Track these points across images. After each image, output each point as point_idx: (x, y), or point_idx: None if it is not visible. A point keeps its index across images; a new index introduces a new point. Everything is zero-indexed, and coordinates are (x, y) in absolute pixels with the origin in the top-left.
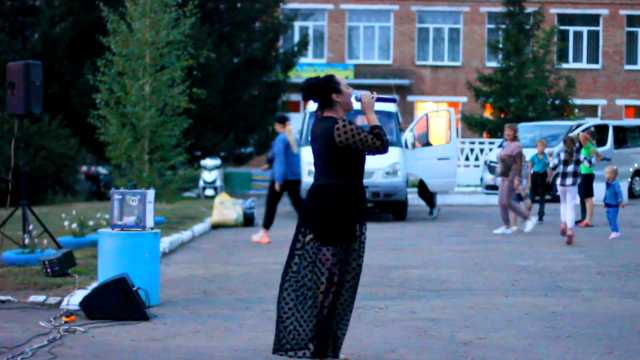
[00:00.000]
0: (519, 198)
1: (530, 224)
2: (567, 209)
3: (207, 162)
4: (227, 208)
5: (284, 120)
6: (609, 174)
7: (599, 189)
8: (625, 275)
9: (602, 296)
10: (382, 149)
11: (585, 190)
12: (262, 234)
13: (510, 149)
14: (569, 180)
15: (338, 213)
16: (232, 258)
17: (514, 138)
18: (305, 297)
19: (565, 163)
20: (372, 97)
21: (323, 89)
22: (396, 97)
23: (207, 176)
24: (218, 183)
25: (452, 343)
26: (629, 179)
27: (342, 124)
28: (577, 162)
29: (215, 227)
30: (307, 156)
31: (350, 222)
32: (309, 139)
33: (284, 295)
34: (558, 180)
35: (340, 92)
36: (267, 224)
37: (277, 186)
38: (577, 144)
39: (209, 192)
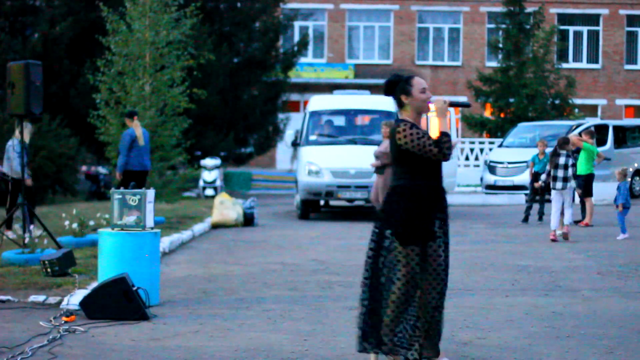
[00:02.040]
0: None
1: None
2: (565, 208)
3: (207, 162)
4: (227, 208)
5: (132, 115)
6: (620, 175)
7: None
8: (625, 275)
9: (602, 296)
10: (440, 156)
11: (585, 190)
12: None
13: (385, 146)
14: (559, 184)
15: (411, 213)
16: (232, 258)
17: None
18: (385, 296)
19: (555, 166)
20: (445, 103)
21: (396, 89)
22: (468, 102)
23: (207, 176)
24: (218, 183)
25: (452, 343)
26: (629, 179)
27: (402, 128)
28: (566, 167)
29: (215, 227)
30: (307, 156)
31: (423, 222)
32: (307, 139)
33: (365, 296)
34: (551, 184)
35: (410, 94)
36: None
37: (118, 175)
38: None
39: (209, 191)
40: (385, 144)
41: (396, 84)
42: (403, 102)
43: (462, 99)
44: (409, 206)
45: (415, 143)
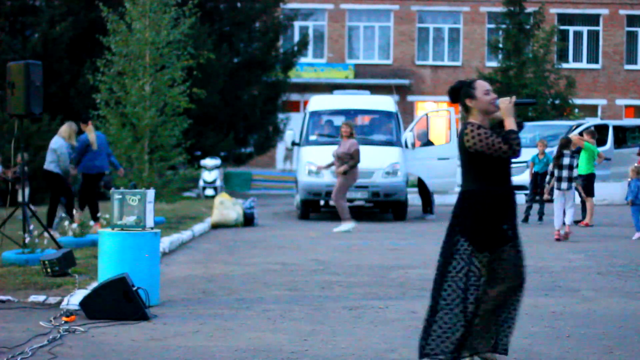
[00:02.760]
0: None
1: (345, 226)
2: (567, 208)
3: (207, 162)
4: (227, 208)
5: (86, 120)
6: (633, 173)
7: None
8: (625, 275)
9: (602, 296)
10: (510, 153)
11: (587, 190)
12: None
13: (346, 147)
14: (564, 185)
15: (484, 219)
16: (232, 258)
17: (350, 135)
18: (459, 302)
19: (560, 167)
20: (511, 101)
21: (460, 94)
22: (534, 100)
23: (207, 176)
24: (218, 183)
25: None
26: (629, 179)
27: (470, 129)
28: (571, 168)
29: (215, 227)
30: (307, 156)
31: (496, 227)
32: (307, 139)
33: (438, 301)
34: (555, 185)
35: (474, 97)
36: (94, 214)
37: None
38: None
39: (209, 192)
40: (347, 144)
41: (459, 90)
42: (468, 106)
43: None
44: (480, 212)
45: (484, 142)
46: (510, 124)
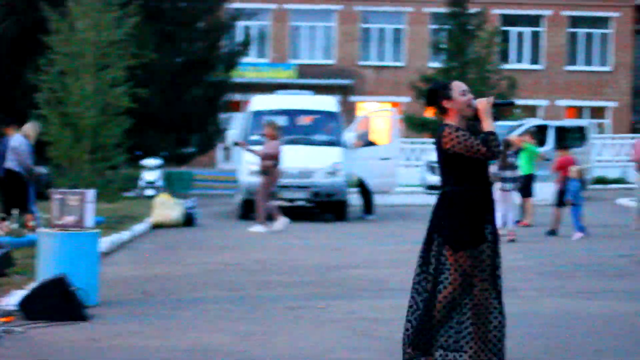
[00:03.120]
0: None
1: (259, 228)
2: (508, 210)
3: (148, 161)
4: (167, 208)
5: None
6: (574, 173)
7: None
8: (564, 275)
9: (542, 296)
10: (489, 155)
11: (525, 191)
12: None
13: (270, 147)
14: (508, 185)
15: (462, 218)
16: (172, 258)
17: (274, 136)
18: (432, 301)
19: (504, 167)
20: (489, 102)
21: (436, 97)
22: (512, 101)
23: (148, 176)
24: (159, 183)
25: (391, 342)
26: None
27: (448, 132)
28: (514, 167)
29: (156, 227)
30: (248, 156)
31: (474, 227)
32: (249, 139)
33: (416, 300)
34: (498, 185)
35: (451, 98)
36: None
37: None
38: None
39: (150, 191)
40: (272, 145)
41: (436, 92)
42: (445, 108)
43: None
44: (459, 212)
45: (463, 145)
46: (488, 124)
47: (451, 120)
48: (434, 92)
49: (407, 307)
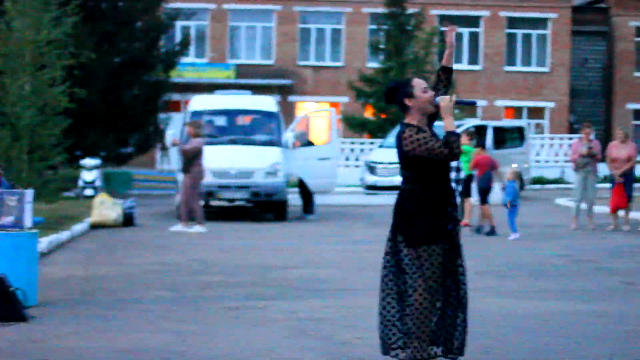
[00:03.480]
0: None
1: (179, 227)
2: None
3: (87, 161)
4: (106, 208)
5: None
6: (511, 175)
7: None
8: (502, 274)
9: (480, 296)
10: (451, 157)
11: (464, 191)
12: None
13: (193, 145)
14: (454, 186)
15: (420, 215)
16: (111, 258)
17: (198, 135)
18: (401, 298)
19: None
20: (451, 100)
21: (397, 94)
22: (474, 101)
23: (87, 176)
24: (98, 183)
25: (332, 342)
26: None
27: (408, 134)
28: (458, 169)
29: (95, 227)
30: None
31: (433, 224)
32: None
33: (384, 297)
34: None
35: (414, 96)
36: None
37: None
38: None
39: (89, 191)
40: (194, 142)
41: (396, 90)
42: (406, 106)
43: (436, 95)
44: (418, 209)
45: (424, 148)
46: (449, 123)
47: (412, 118)
48: (393, 90)
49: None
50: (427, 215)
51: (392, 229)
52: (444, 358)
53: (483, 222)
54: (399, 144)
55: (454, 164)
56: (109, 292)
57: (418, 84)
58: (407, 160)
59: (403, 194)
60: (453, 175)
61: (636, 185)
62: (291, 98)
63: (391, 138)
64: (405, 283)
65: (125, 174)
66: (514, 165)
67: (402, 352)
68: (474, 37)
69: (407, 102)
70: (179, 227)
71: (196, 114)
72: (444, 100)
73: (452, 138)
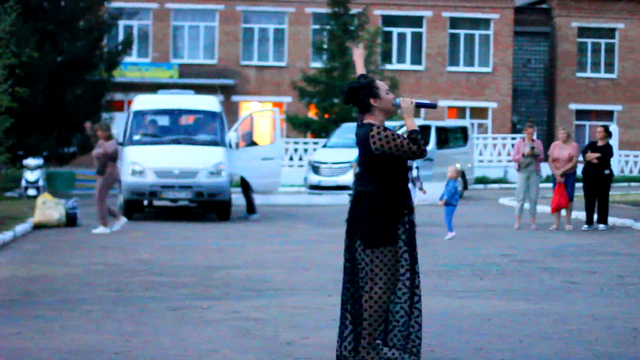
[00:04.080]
0: None
1: (102, 229)
2: None
3: (30, 161)
4: (49, 208)
5: None
6: (452, 173)
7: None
8: (446, 274)
9: (423, 295)
10: (418, 153)
11: None
12: None
13: (104, 148)
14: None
15: (379, 217)
16: (54, 258)
17: (109, 137)
18: (359, 300)
19: None
20: (412, 103)
21: (361, 94)
22: (435, 103)
23: (29, 176)
24: (40, 183)
25: (276, 343)
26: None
27: (377, 131)
28: (410, 168)
29: (38, 227)
30: (131, 156)
31: (391, 226)
32: (131, 138)
33: (343, 299)
34: None
35: (379, 97)
36: None
37: None
38: None
39: (32, 191)
40: (107, 145)
41: (359, 90)
42: (370, 106)
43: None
44: (379, 211)
45: (393, 144)
46: (411, 123)
47: (374, 118)
48: (356, 90)
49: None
50: (386, 216)
51: (349, 230)
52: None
53: None
54: (365, 143)
55: (408, 163)
56: (52, 292)
57: (381, 85)
58: (373, 159)
59: (362, 194)
60: (408, 175)
61: (577, 185)
62: (234, 98)
63: (335, 138)
64: (361, 286)
65: (68, 174)
66: (457, 165)
67: (356, 354)
68: (416, 37)
69: (373, 102)
70: (99, 230)
71: (139, 113)
72: (405, 102)
73: (418, 135)
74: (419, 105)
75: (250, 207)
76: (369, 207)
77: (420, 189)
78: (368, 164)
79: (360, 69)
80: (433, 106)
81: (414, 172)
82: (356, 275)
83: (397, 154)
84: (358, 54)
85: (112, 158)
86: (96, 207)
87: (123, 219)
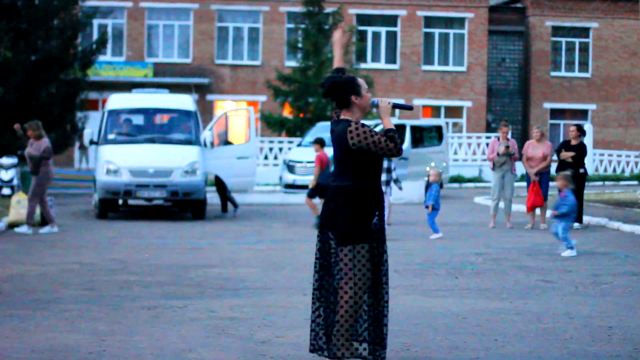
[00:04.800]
0: None
1: (48, 228)
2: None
3: (4, 160)
4: (24, 207)
5: None
6: (434, 177)
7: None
8: (422, 273)
9: (399, 294)
10: (395, 151)
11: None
12: None
13: (36, 147)
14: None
15: (353, 214)
16: (29, 258)
17: (39, 136)
18: (332, 297)
19: None
20: (389, 103)
21: (344, 89)
22: (411, 106)
23: (3, 175)
24: (15, 182)
25: (251, 342)
26: (426, 178)
27: (355, 127)
28: (389, 170)
29: (12, 226)
30: (105, 155)
31: (367, 223)
32: (106, 137)
33: (315, 295)
34: None
35: (360, 95)
36: None
37: None
38: None
39: (6, 191)
40: (39, 144)
41: (342, 85)
42: (351, 103)
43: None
44: (355, 207)
45: (370, 141)
46: (388, 122)
47: (352, 115)
48: (339, 85)
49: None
50: (360, 213)
51: (321, 226)
52: (369, 356)
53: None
54: (343, 138)
55: (384, 164)
56: (26, 292)
57: (362, 83)
58: (349, 155)
59: (337, 190)
60: (384, 177)
61: (552, 184)
62: (209, 97)
63: (310, 137)
64: (333, 281)
65: None
66: (433, 164)
67: (327, 351)
68: (391, 36)
69: (354, 99)
70: (47, 229)
71: (113, 112)
72: (383, 102)
73: (395, 134)
74: (395, 106)
75: (225, 206)
76: (345, 203)
77: (400, 188)
78: (344, 159)
79: (338, 60)
80: (409, 107)
81: (393, 174)
82: (328, 271)
83: (374, 151)
84: (337, 40)
85: (45, 157)
86: (27, 206)
87: (55, 229)
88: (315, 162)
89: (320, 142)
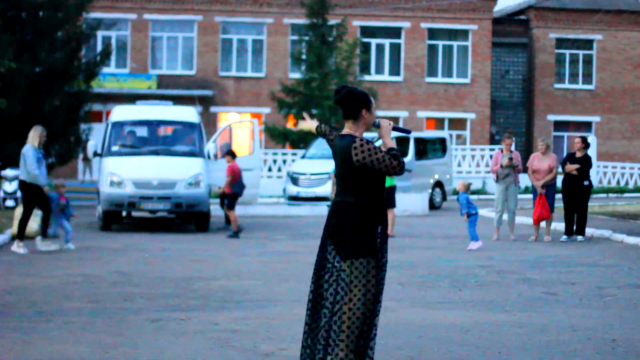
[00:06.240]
0: None
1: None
2: None
3: (8, 172)
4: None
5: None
6: (461, 187)
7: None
8: (425, 285)
9: (403, 306)
10: (398, 169)
11: (388, 202)
12: None
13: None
14: None
15: (358, 229)
16: (33, 269)
17: None
18: (329, 311)
19: None
20: (390, 124)
21: (357, 101)
22: (410, 130)
23: (7, 187)
24: (19, 194)
25: (254, 354)
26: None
27: (360, 143)
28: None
29: (15, 238)
30: (109, 166)
31: (371, 237)
32: (110, 149)
33: (310, 309)
34: None
35: (370, 111)
36: None
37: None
38: None
39: (10, 202)
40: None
41: (357, 96)
42: (360, 116)
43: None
44: (356, 222)
45: (374, 158)
46: (389, 142)
47: (356, 130)
48: (355, 95)
49: (304, 324)
50: (365, 227)
51: (324, 240)
52: None
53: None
54: (347, 154)
55: None
56: (30, 303)
57: (373, 102)
58: (353, 171)
59: (341, 205)
60: None
61: (557, 196)
62: (213, 109)
63: (313, 149)
64: (337, 294)
65: None
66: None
67: None
68: (395, 48)
69: (365, 113)
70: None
71: (117, 124)
72: (384, 122)
73: (397, 153)
74: (395, 129)
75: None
76: (348, 218)
77: None
78: (347, 175)
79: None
80: (408, 132)
81: None
82: (334, 284)
83: (377, 168)
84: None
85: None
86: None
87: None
88: (227, 173)
89: (231, 154)
